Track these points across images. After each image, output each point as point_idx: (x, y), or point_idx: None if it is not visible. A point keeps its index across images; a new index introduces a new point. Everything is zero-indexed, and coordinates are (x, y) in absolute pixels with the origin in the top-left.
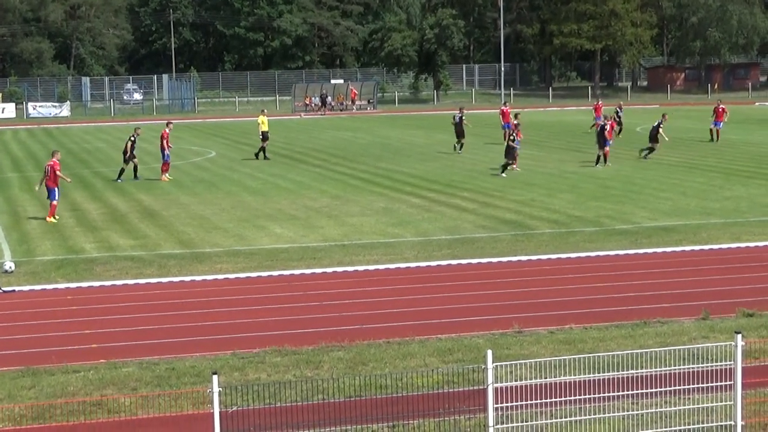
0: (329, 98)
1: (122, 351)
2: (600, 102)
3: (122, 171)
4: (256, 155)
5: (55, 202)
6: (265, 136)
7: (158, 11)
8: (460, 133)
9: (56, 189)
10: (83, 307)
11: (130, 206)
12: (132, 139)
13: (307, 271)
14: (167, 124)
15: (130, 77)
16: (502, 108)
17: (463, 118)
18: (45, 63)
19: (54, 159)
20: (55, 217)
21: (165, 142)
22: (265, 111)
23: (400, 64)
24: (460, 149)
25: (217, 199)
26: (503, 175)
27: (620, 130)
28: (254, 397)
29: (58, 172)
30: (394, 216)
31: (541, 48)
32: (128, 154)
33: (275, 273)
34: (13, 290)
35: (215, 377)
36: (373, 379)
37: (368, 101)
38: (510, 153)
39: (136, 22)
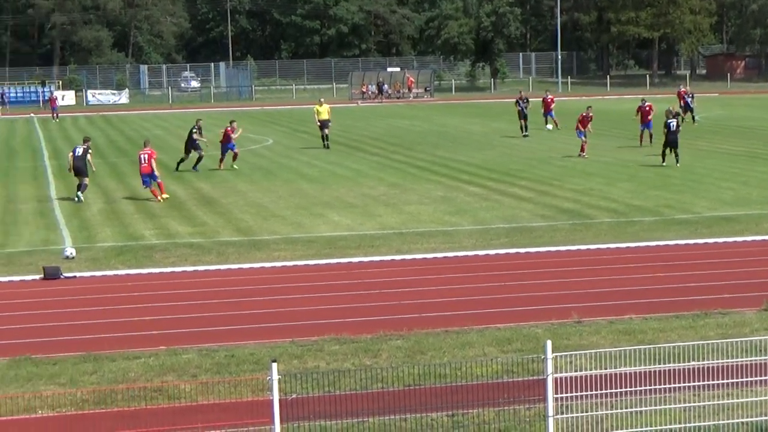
0: (386, 86)
1: (182, 338)
2: (685, 88)
3: (181, 161)
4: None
5: (160, 181)
6: (324, 124)
7: None
8: (523, 116)
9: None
10: (143, 294)
11: (188, 194)
12: (194, 129)
13: (365, 259)
14: (231, 122)
15: (188, 65)
16: (545, 97)
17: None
18: (104, 51)
19: (149, 148)
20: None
21: (229, 136)
22: (323, 100)
23: (457, 52)
24: (526, 131)
25: (274, 187)
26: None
27: (693, 118)
28: (313, 385)
29: (153, 160)
30: (452, 204)
31: (599, 36)
32: (190, 145)
33: (333, 261)
34: (74, 276)
35: (274, 365)
36: (431, 368)
37: (425, 89)
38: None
39: (193, 10)
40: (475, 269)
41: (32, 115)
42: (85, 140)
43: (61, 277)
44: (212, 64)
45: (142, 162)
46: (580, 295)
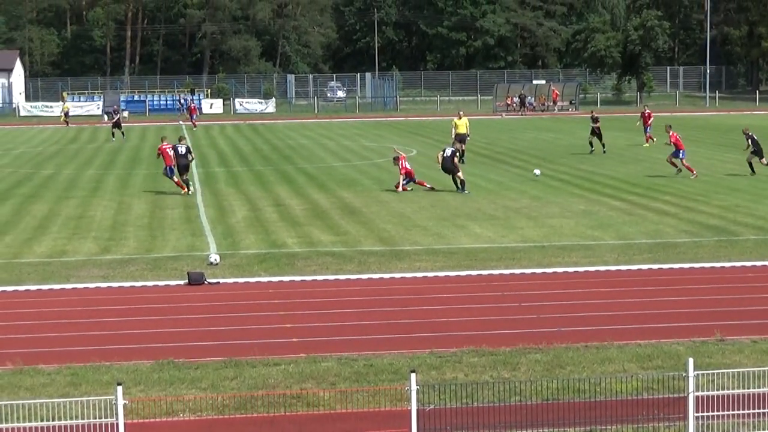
0: (529, 98)
1: (322, 346)
2: None
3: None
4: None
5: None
6: (461, 138)
7: (362, 10)
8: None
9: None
10: (284, 301)
11: (331, 203)
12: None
13: (506, 272)
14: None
15: (334, 75)
16: (644, 111)
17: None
18: (252, 60)
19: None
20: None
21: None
22: (461, 113)
23: (603, 65)
24: (604, 149)
25: (416, 197)
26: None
27: None
28: (451, 396)
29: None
30: (594, 218)
31: (749, 50)
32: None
33: (474, 272)
34: (218, 282)
35: (413, 375)
36: (570, 382)
37: (570, 102)
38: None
39: (340, 21)
40: (616, 284)
41: (181, 122)
42: (180, 139)
43: (205, 282)
44: (358, 74)
45: (170, 154)
46: (724, 313)
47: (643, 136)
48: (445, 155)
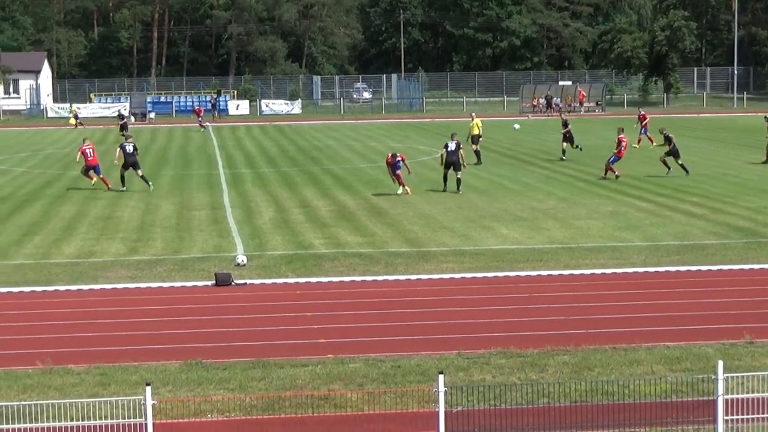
0: (555, 99)
1: (349, 347)
2: None
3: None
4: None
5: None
6: (474, 140)
7: (388, 11)
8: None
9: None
10: (312, 302)
11: (358, 204)
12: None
13: (533, 273)
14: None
15: (360, 76)
16: (639, 113)
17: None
18: (278, 61)
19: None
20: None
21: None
22: (474, 114)
23: (630, 66)
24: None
25: (443, 199)
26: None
27: None
28: (479, 398)
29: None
30: (622, 220)
31: None
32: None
33: (501, 274)
34: (245, 283)
35: (441, 376)
36: (598, 384)
37: (596, 103)
38: None
39: (366, 22)
40: (644, 286)
41: (207, 124)
42: (127, 138)
43: (233, 283)
44: (384, 75)
45: (89, 156)
46: (753, 315)
47: (639, 137)
48: (449, 149)
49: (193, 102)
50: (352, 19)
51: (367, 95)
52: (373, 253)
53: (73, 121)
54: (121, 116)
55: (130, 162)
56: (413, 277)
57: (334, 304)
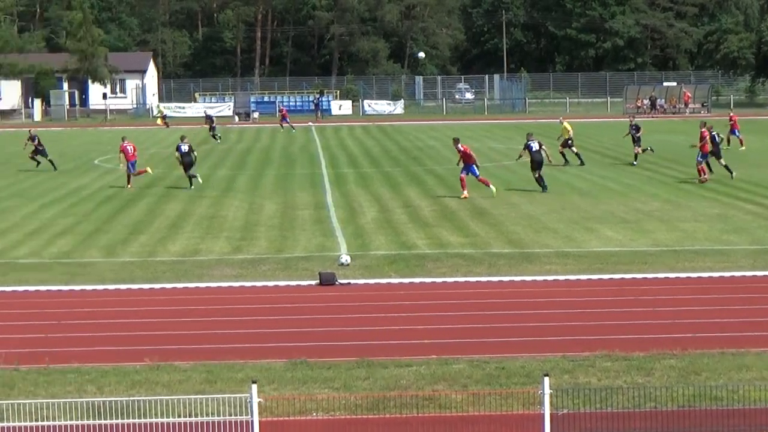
0: (659, 100)
1: (453, 348)
2: None
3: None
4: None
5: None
6: (566, 143)
7: (490, 12)
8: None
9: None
10: (415, 303)
11: (460, 204)
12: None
13: (638, 276)
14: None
15: (462, 77)
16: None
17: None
18: (380, 62)
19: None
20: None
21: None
22: (562, 118)
23: (736, 66)
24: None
25: (545, 200)
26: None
27: None
28: (584, 401)
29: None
30: (729, 223)
31: None
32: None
33: (605, 276)
34: (349, 283)
35: (546, 379)
36: (706, 389)
37: (702, 104)
38: None
39: (468, 22)
40: (752, 290)
41: (310, 123)
42: (182, 138)
43: (336, 283)
44: (486, 76)
45: (129, 152)
46: None
47: (733, 140)
48: (533, 149)
49: (287, 102)
50: (454, 19)
51: (469, 96)
52: (476, 253)
53: (160, 121)
54: (208, 117)
55: (186, 162)
56: (516, 278)
57: (437, 304)
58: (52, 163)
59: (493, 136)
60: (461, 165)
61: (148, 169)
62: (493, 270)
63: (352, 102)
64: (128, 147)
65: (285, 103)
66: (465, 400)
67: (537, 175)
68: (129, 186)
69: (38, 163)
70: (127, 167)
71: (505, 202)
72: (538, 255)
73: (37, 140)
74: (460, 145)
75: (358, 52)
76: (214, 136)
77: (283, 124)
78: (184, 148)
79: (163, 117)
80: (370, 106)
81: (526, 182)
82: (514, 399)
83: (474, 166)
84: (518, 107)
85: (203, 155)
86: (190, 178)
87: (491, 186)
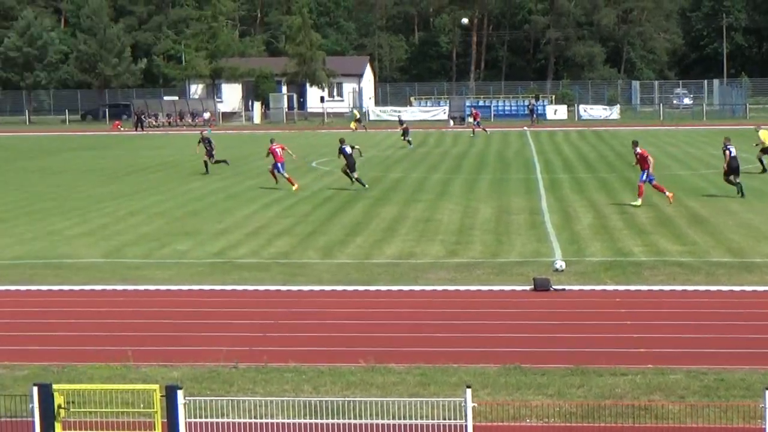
0: None
1: (669, 357)
2: None
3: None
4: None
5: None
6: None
7: (710, 15)
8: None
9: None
10: (631, 311)
11: (678, 211)
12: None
13: None
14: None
15: (680, 82)
16: None
17: None
18: (596, 66)
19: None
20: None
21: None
22: (760, 124)
23: None
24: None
25: (766, 209)
26: None
27: None
28: None
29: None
30: None
31: None
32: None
33: None
34: (563, 289)
35: (767, 392)
36: None
37: None
38: None
39: (687, 26)
40: None
41: (525, 128)
42: (342, 140)
43: (551, 289)
44: (705, 81)
45: (278, 154)
46: None
47: None
48: (732, 154)
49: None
50: (672, 23)
51: (687, 101)
52: (694, 262)
53: (353, 125)
54: (401, 122)
55: (350, 163)
56: (736, 288)
57: (653, 313)
58: (225, 162)
59: (711, 143)
60: (639, 168)
61: (296, 185)
62: (711, 279)
63: (567, 107)
64: (277, 149)
65: (499, 108)
66: (682, 412)
67: (734, 180)
68: (295, 187)
69: (207, 170)
70: (276, 168)
71: (724, 210)
72: (758, 265)
73: (209, 142)
74: (638, 149)
75: (573, 57)
76: (407, 141)
77: (476, 129)
78: (348, 150)
79: (358, 120)
80: (585, 110)
81: (749, 191)
82: (733, 412)
83: (645, 171)
84: (738, 113)
85: (397, 159)
86: (355, 179)
87: (666, 192)
